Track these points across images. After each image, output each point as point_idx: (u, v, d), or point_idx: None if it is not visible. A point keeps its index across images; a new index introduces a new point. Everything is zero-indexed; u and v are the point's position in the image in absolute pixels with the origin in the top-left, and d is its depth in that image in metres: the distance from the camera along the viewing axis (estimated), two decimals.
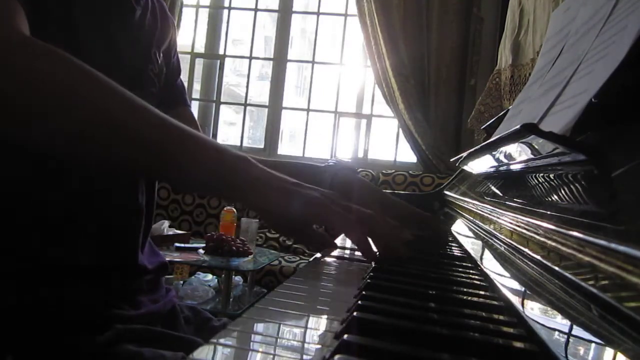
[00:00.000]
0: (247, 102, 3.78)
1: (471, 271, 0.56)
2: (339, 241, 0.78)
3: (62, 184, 0.64)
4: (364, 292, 0.42)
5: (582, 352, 0.30)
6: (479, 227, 0.74)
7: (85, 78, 0.50)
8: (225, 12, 3.73)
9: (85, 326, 0.63)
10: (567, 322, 0.34)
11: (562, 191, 0.46)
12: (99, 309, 0.66)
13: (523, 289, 0.43)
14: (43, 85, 0.49)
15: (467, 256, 0.65)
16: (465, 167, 1.06)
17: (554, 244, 0.39)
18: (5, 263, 0.62)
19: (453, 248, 0.75)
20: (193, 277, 2.45)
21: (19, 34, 0.51)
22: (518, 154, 0.61)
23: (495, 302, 0.42)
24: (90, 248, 0.68)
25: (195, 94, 3.69)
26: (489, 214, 0.68)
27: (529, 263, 0.45)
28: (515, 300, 0.40)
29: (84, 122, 0.50)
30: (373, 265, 0.56)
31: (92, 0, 0.68)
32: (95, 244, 0.69)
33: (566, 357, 0.28)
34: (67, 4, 0.63)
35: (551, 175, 0.52)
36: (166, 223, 2.60)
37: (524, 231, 0.49)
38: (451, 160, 1.20)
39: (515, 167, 0.67)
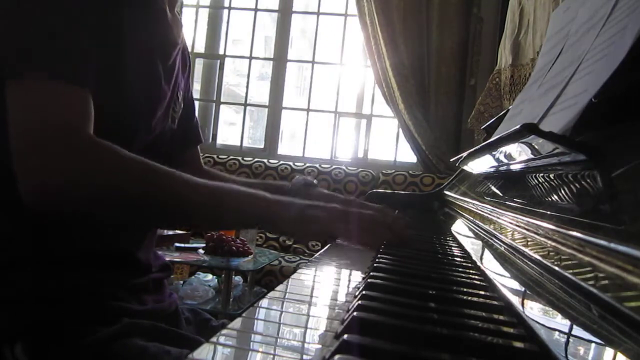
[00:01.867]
0: (247, 102, 3.78)
1: (471, 271, 0.56)
2: None
3: None
4: (364, 292, 0.42)
5: (582, 352, 0.30)
6: (479, 227, 0.74)
7: (147, 174, 0.60)
8: (225, 12, 3.73)
9: (93, 317, 0.64)
10: (567, 322, 0.34)
11: (562, 191, 0.46)
12: (107, 301, 0.68)
13: (523, 289, 0.43)
14: (114, 190, 0.59)
15: (467, 256, 0.65)
16: (465, 167, 1.06)
17: (554, 244, 0.39)
18: (14, 252, 0.64)
19: (453, 248, 0.75)
20: (193, 277, 2.45)
21: (84, 139, 0.57)
22: (518, 154, 0.61)
23: (495, 302, 0.42)
24: (98, 235, 0.70)
25: (195, 94, 3.68)
26: (489, 214, 0.68)
27: (529, 263, 0.45)
28: (515, 300, 0.40)
29: (142, 207, 0.62)
30: (373, 265, 0.56)
31: (142, 39, 0.70)
32: (102, 231, 0.70)
33: (566, 357, 0.28)
34: (120, 37, 0.66)
35: (551, 175, 0.52)
36: None
37: (524, 231, 0.49)
38: (451, 160, 1.20)
39: (515, 167, 0.67)
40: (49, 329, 0.62)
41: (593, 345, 0.29)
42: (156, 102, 0.74)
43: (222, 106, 3.71)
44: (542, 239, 0.43)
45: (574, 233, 0.35)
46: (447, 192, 1.22)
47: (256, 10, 3.66)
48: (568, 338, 0.31)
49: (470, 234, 0.79)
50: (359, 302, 0.38)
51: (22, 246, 0.64)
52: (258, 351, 0.32)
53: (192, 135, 0.94)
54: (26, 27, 0.58)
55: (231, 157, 3.25)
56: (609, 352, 0.28)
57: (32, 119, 0.56)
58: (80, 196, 0.58)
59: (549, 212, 0.42)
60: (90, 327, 0.63)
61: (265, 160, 3.23)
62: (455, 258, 0.65)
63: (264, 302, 0.41)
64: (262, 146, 3.57)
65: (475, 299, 0.43)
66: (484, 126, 1.25)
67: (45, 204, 0.57)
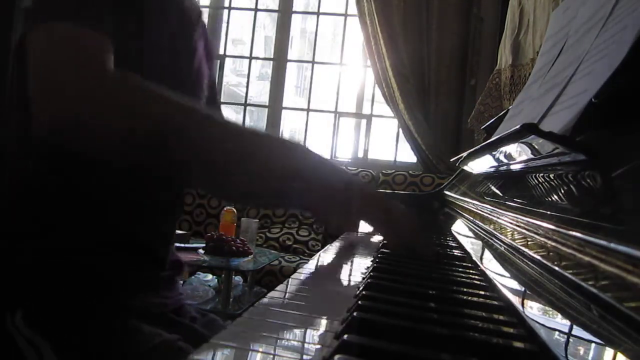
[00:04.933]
0: (247, 102, 3.78)
1: (471, 271, 0.56)
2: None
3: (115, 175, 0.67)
4: (364, 292, 0.42)
5: (582, 352, 0.30)
6: (479, 227, 0.74)
7: (174, 107, 0.57)
8: (225, 12, 3.73)
9: (99, 298, 0.65)
10: (567, 322, 0.34)
11: (562, 191, 0.46)
12: (116, 286, 0.69)
13: (523, 289, 0.43)
14: (141, 117, 0.56)
15: (467, 256, 0.65)
16: (465, 167, 1.07)
17: (554, 244, 0.39)
18: (39, 229, 0.65)
19: (453, 248, 0.75)
20: (193, 277, 2.45)
21: (113, 71, 0.56)
22: (518, 154, 0.61)
23: (495, 302, 0.42)
24: (133, 224, 0.72)
25: None
26: (489, 214, 0.68)
27: (529, 263, 0.45)
28: (515, 300, 0.40)
29: (173, 146, 0.57)
30: (373, 266, 0.56)
31: (163, 18, 0.71)
32: (134, 227, 0.72)
33: (566, 357, 0.28)
34: (140, 23, 0.66)
35: (551, 175, 0.52)
36: None
37: (524, 231, 0.49)
38: (451, 160, 1.20)
39: (515, 167, 0.67)
40: (51, 301, 0.63)
41: (593, 345, 0.29)
42: (175, 85, 0.74)
43: (222, 106, 3.70)
44: (542, 239, 0.43)
45: (574, 233, 0.35)
46: (447, 192, 1.22)
47: (256, 10, 3.66)
48: (568, 338, 0.31)
49: (470, 234, 0.79)
50: (359, 302, 0.38)
51: (52, 227, 0.65)
52: (258, 351, 0.32)
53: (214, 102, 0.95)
54: None
55: None
56: (609, 352, 0.28)
57: (56, 57, 0.55)
58: (105, 131, 0.56)
59: (549, 212, 0.42)
60: (95, 306, 0.64)
61: None
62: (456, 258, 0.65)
63: (264, 302, 0.41)
64: None
65: (475, 299, 0.43)
66: (484, 126, 1.25)
67: (63, 135, 0.55)
